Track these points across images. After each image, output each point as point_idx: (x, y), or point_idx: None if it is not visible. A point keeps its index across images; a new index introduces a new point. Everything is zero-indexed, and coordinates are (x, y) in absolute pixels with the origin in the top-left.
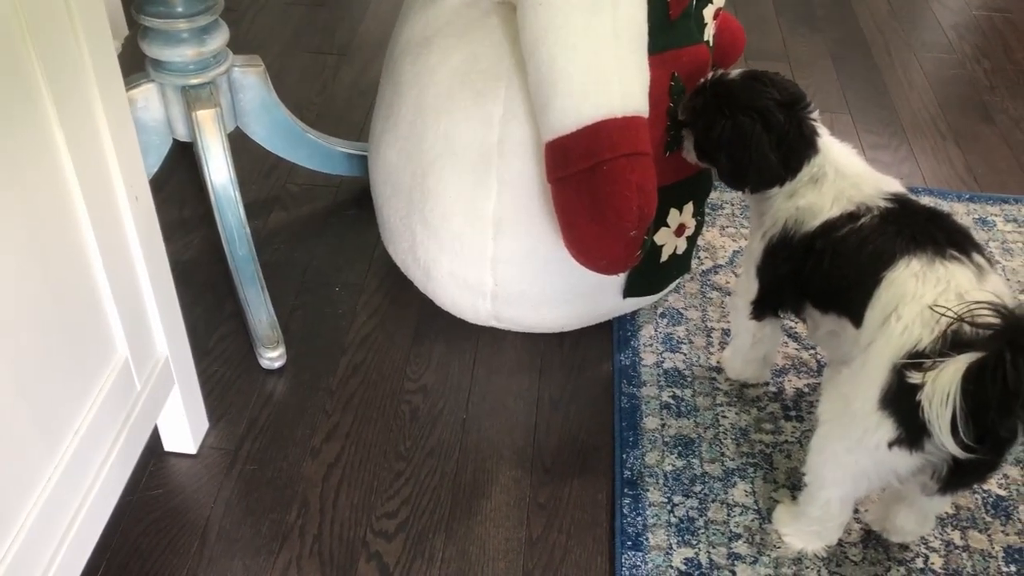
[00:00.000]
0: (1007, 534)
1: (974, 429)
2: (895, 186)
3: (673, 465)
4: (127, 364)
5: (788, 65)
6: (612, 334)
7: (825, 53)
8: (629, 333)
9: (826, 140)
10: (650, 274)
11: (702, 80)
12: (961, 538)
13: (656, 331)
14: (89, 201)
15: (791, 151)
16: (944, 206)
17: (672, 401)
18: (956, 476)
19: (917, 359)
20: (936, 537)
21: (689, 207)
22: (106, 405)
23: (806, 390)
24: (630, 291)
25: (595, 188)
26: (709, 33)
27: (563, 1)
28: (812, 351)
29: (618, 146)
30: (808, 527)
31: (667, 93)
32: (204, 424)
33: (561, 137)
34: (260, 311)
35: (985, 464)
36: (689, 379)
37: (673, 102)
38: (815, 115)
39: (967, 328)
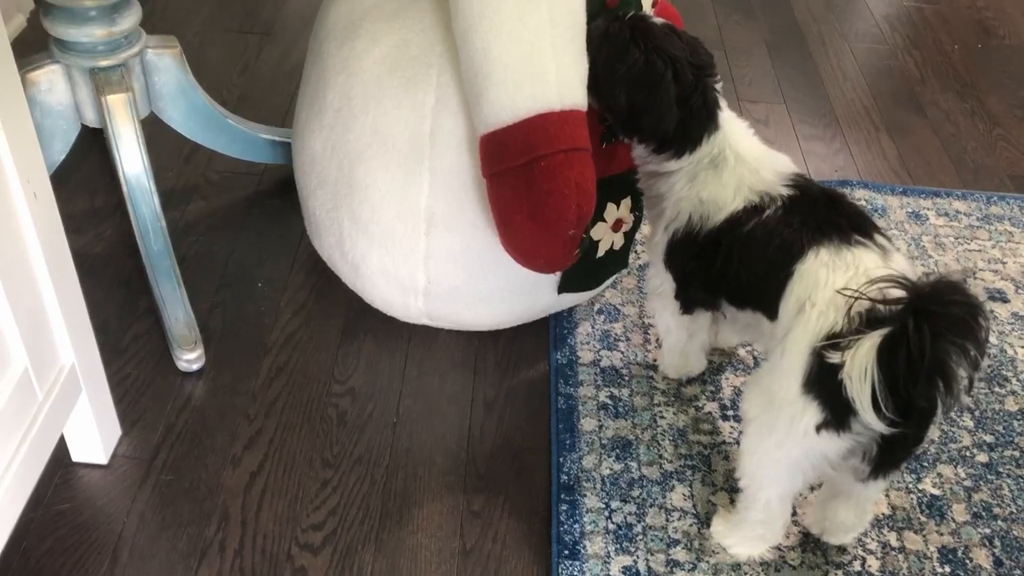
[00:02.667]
0: (941, 534)
1: (894, 401)
2: (789, 166)
3: (611, 469)
4: (26, 374)
5: (723, 53)
6: (549, 331)
7: (760, 41)
8: (566, 330)
9: (725, 115)
10: (586, 270)
11: (621, 11)
12: (897, 539)
13: (593, 328)
14: None
15: (693, 116)
16: (879, 200)
17: (609, 401)
18: (885, 454)
19: (834, 340)
20: (873, 539)
21: (627, 202)
22: (3, 417)
23: (743, 389)
24: (565, 287)
25: (532, 185)
26: None
27: None
28: (749, 348)
29: (556, 141)
30: (751, 532)
31: None
32: (116, 431)
33: (496, 130)
34: (176, 309)
35: (910, 438)
36: (627, 378)
37: None
38: (719, 86)
39: (880, 307)
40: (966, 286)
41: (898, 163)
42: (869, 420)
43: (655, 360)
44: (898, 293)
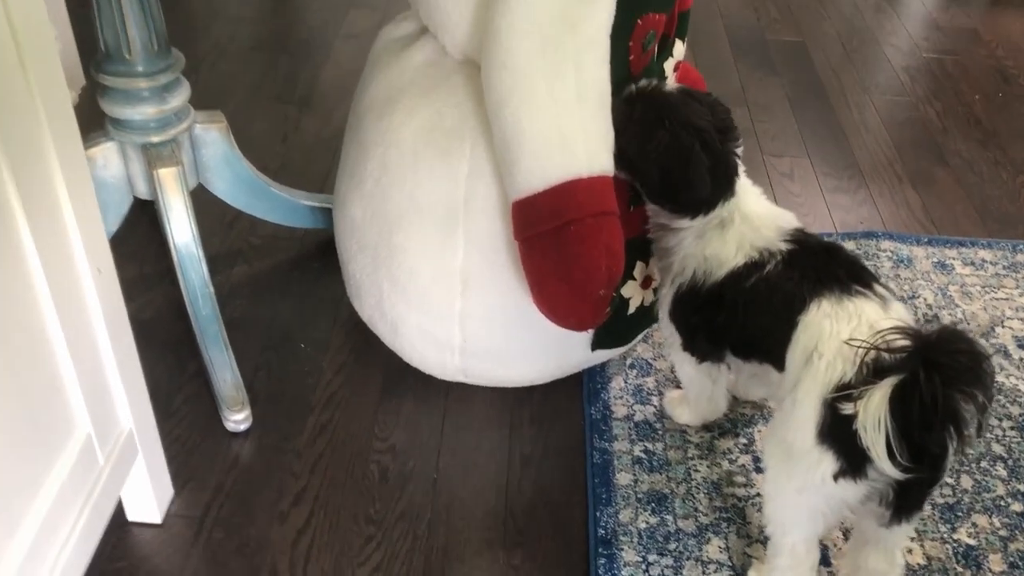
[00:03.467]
0: None
1: (908, 448)
2: (792, 222)
3: (647, 522)
4: (89, 439)
5: (747, 109)
6: (582, 386)
7: (782, 96)
8: (599, 385)
9: (742, 182)
10: (618, 327)
11: (633, 87)
12: None
13: (626, 383)
14: (51, 277)
15: (716, 182)
16: (904, 250)
17: (644, 455)
18: (902, 498)
19: (845, 391)
20: None
21: (655, 259)
22: (68, 482)
23: (762, 439)
24: (598, 344)
25: (563, 248)
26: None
27: (527, 64)
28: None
29: (585, 206)
30: None
31: None
32: (169, 491)
33: (527, 197)
34: (224, 372)
35: (925, 481)
36: (660, 432)
37: None
38: (740, 150)
39: (885, 356)
40: (969, 334)
41: (922, 213)
42: (885, 468)
43: (673, 417)
44: (903, 342)
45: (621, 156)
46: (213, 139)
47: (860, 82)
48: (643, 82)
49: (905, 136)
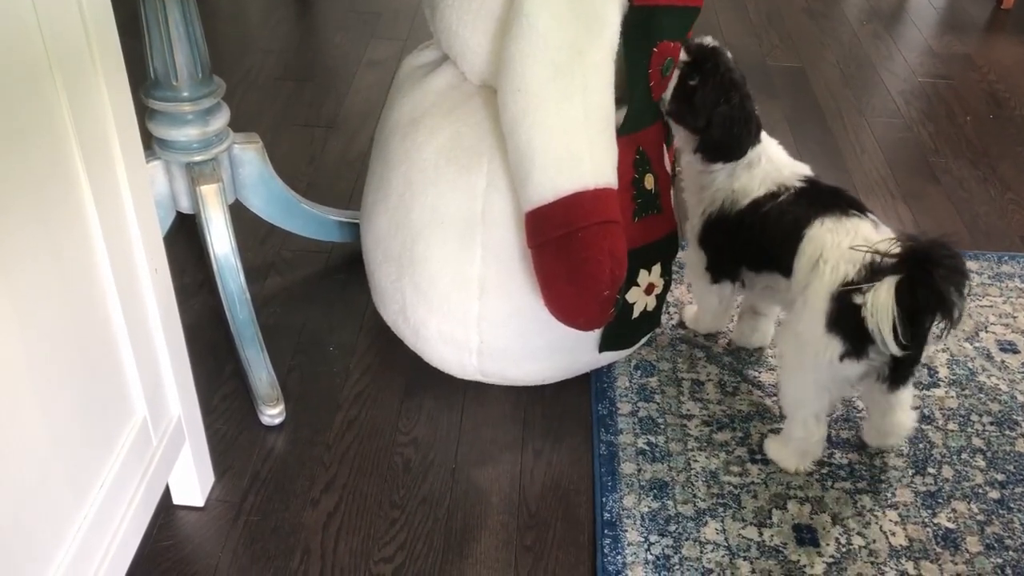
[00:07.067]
0: (955, 563)
1: (910, 329)
2: (806, 171)
3: (649, 507)
4: (145, 422)
5: None
6: (590, 385)
7: (782, 119)
8: (606, 384)
9: (764, 134)
10: (623, 330)
11: (704, 41)
12: (915, 568)
13: (631, 382)
14: (116, 274)
15: (749, 136)
16: None
17: (647, 447)
18: (895, 371)
19: (850, 287)
20: (891, 568)
21: (657, 268)
22: (128, 460)
23: (777, 336)
24: (605, 346)
25: (571, 253)
26: None
27: (539, 88)
28: (774, 399)
29: (591, 215)
30: (797, 448)
31: (632, 166)
32: (210, 478)
33: (539, 207)
34: (260, 370)
35: (912, 358)
36: (662, 426)
37: (638, 174)
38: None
39: (879, 259)
40: (951, 244)
41: (913, 227)
42: (891, 347)
43: (680, 320)
44: (899, 249)
45: (683, 103)
46: (250, 159)
47: (856, 105)
48: (702, 41)
49: (899, 156)
